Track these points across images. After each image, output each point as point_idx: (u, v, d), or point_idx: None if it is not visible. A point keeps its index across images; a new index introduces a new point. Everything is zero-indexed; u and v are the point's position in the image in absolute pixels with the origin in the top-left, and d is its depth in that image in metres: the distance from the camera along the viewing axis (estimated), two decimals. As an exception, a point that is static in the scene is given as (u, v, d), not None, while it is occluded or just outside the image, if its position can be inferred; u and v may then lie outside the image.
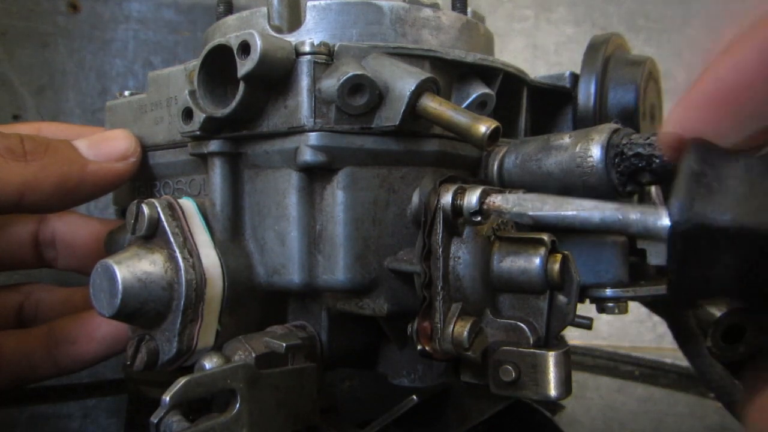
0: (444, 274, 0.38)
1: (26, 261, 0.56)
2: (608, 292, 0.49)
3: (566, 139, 0.44)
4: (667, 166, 0.41)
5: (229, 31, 0.49)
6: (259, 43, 0.39)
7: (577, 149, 0.43)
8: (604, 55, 0.55)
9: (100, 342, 0.54)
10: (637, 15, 0.88)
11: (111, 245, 0.51)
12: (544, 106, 0.57)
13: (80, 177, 0.48)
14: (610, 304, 0.50)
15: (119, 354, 0.55)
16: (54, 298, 0.57)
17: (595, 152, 0.42)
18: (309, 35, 0.46)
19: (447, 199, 0.38)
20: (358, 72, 0.40)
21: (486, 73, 0.48)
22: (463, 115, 0.39)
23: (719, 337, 0.45)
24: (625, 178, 0.42)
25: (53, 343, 0.53)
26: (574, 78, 0.59)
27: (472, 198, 0.37)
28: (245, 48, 0.39)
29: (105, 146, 0.49)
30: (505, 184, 0.47)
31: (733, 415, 0.55)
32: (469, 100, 0.46)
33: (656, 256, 0.50)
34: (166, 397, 0.32)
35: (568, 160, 0.44)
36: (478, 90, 0.47)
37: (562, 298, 0.38)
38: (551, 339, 0.39)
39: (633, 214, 0.31)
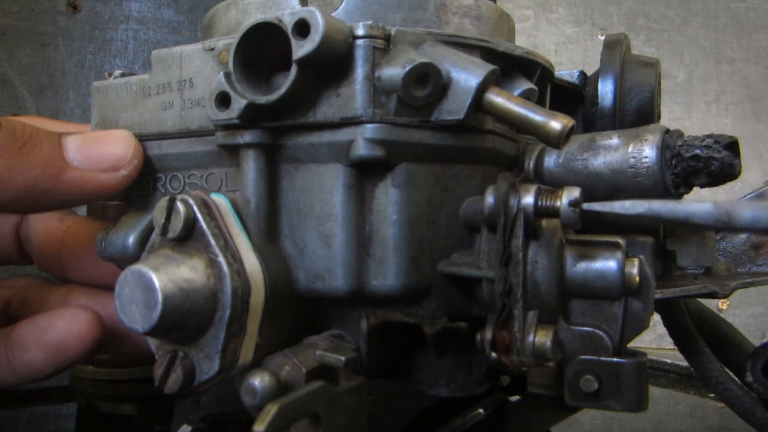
0: (522, 281, 0.36)
1: (10, 256, 0.50)
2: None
3: (615, 139, 0.43)
4: (726, 168, 0.41)
5: (249, 9, 0.44)
6: (321, 22, 0.35)
7: (630, 149, 0.42)
8: (621, 55, 0.54)
9: (44, 350, 0.47)
10: (637, 15, 0.89)
11: (108, 247, 0.44)
12: (556, 103, 0.56)
13: (53, 184, 0.41)
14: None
15: (70, 367, 0.49)
16: (41, 294, 0.50)
17: (650, 153, 0.42)
18: (349, 18, 0.42)
19: (528, 200, 0.35)
20: (425, 60, 0.37)
21: (527, 66, 0.46)
22: (536, 111, 0.37)
23: (760, 370, 0.44)
24: (680, 180, 0.42)
25: (10, 347, 0.47)
26: (584, 77, 0.58)
27: (568, 198, 0.34)
28: (303, 27, 0.35)
29: (96, 150, 0.42)
30: (545, 183, 0.46)
31: (734, 411, 0.57)
32: (515, 94, 0.44)
33: (686, 257, 0.50)
34: (260, 429, 0.28)
35: (620, 161, 0.42)
36: (522, 85, 0.44)
37: (637, 304, 0.37)
38: (624, 347, 0.37)
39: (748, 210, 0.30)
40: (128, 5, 0.80)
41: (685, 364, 0.55)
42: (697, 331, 0.58)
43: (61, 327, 0.45)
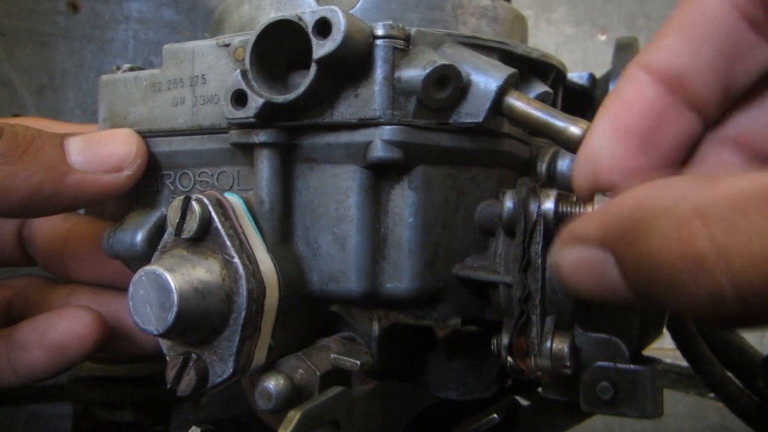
0: (541, 287, 0.36)
1: (13, 258, 0.50)
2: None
3: (630, 144, 0.43)
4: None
5: (263, 5, 0.44)
6: (342, 21, 0.34)
7: (645, 155, 0.42)
8: (632, 58, 0.54)
9: (46, 350, 0.47)
10: (637, 15, 0.89)
11: (116, 245, 0.43)
12: (565, 105, 0.56)
13: (56, 188, 0.40)
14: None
15: (72, 367, 0.48)
16: (43, 294, 0.49)
17: (666, 159, 0.41)
18: (365, 17, 0.41)
19: (549, 205, 0.35)
20: (446, 62, 0.36)
21: (542, 69, 0.45)
22: (555, 115, 0.37)
23: None
24: (695, 186, 0.41)
25: (11, 347, 0.46)
26: (592, 79, 0.58)
27: (590, 205, 0.34)
28: (324, 26, 0.35)
29: (98, 151, 0.42)
30: (558, 186, 0.45)
31: (733, 413, 0.57)
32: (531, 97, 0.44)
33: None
34: (284, 437, 0.27)
35: (635, 166, 0.42)
36: (538, 87, 0.44)
37: (652, 311, 0.37)
38: (639, 354, 0.37)
39: None
40: (128, 5, 0.80)
41: (685, 364, 0.55)
42: (699, 334, 0.58)
43: (63, 327, 0.45)
